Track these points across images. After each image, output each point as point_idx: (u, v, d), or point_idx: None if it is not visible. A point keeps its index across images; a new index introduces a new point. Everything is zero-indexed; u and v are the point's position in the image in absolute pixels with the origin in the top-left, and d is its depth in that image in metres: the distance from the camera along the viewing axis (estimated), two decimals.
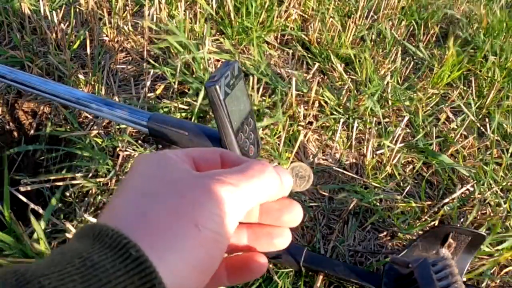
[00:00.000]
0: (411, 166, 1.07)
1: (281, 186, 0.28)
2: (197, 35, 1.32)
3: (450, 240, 0.72)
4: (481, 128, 1.23)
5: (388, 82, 1.24)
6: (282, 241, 0.30)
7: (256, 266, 0.29)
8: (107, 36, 1.35)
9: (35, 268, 0.20)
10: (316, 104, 1.17)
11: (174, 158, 0.27)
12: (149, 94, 1.15)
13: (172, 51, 1.28)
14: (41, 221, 0.76)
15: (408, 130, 1.18)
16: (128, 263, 0.20)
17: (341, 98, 1.19)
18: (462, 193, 0.99)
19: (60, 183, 0.92)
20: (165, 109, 1.09)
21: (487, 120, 1.22)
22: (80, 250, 0.21)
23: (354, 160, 1.06)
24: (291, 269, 0.78)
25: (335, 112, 1.15)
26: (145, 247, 0.21)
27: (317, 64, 1.32)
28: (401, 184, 1.01)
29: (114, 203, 0.25)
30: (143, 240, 0.22)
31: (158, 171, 0.25)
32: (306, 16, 1.59)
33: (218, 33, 1.41)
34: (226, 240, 0.25)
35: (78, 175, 0.90)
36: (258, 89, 1.12)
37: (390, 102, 1.23)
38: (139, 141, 1.02)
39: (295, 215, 0.29)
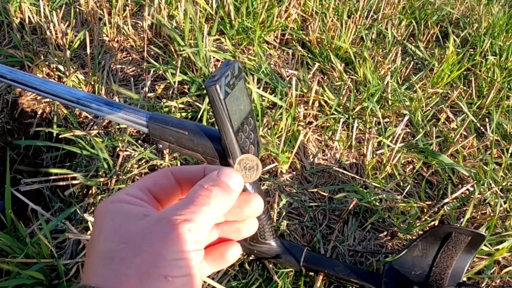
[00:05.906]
0: (411, 166, 1.07)
1: (232, 194, 0.30)
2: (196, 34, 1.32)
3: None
4: (481, 128, 1.23)
5: (388, 82, 1.24)
6: (250, 231, 0.33)
7: (230, 255, 0.33)
8: (107, 36, 1.35)
9: None
10: (316, 104, 1.17)
11: (130, 202, 0.29)
12: (149, 94, 1.15)
13: (172, 49, 1.28)
14: (44, 228, 0.76)
15: (408, 130, 1.18)
16: None
17: (341, 98, 1.19)
18: (462, 193, 0.99)
19: (61, 183, 0.92)
20: (165, 109, 1.09)
21: (486, 120, 1.22)
22: None
23: (354, 160, 1.06)
24: (291, 269, 0.78)
25: (335, 112, 1.15)
26: None
27: (317, 64, 1.32)
28: (401, 184, 1.01)
29: (92, 262, 0.27)
30: None
31: (120, 225, 0.28)
32: (306, 16, 1.59)
33: (218, 33, 1.41)
34: (198, 276, 0.27)
35: (79, 175, 0.90)
36: (258, 89, 1.12)
37: (390, 102, 1.23)
38: (139, 141, 1.02)
39: (255, 207, 0.32)
